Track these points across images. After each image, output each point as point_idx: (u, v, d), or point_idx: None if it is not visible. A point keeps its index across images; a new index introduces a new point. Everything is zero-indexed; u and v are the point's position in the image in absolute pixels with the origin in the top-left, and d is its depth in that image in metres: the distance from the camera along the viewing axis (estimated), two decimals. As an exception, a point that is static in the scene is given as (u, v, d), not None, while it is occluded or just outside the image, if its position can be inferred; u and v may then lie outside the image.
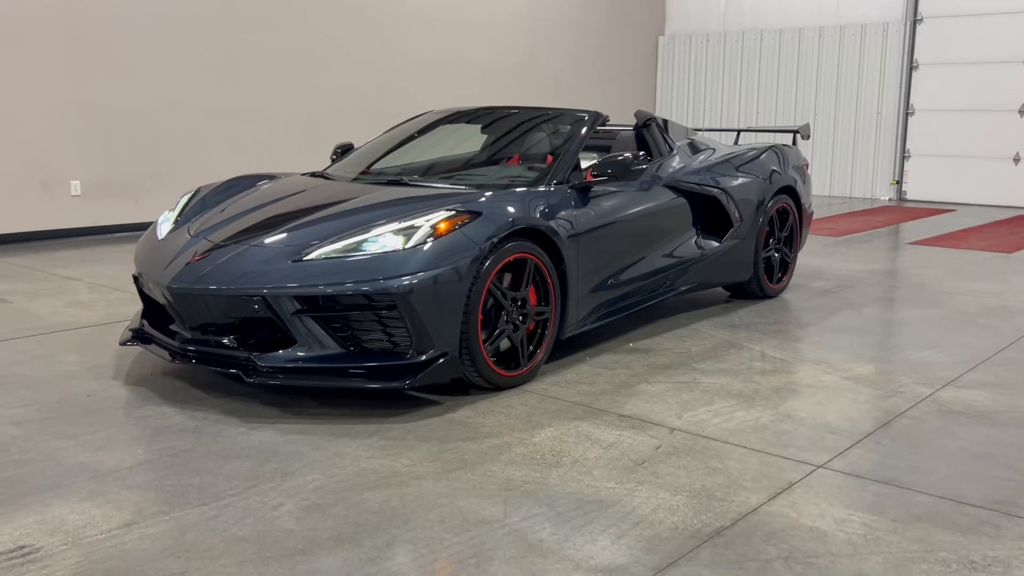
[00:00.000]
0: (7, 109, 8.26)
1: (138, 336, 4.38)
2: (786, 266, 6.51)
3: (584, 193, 4.75)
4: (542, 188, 4.62)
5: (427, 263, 3.84)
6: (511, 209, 4.25)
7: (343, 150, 5.84)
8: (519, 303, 4.25)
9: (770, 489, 3.21)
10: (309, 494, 3.13)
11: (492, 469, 3.35)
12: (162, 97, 9.27)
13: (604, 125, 5.50)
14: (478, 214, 4.09)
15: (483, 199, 4.29)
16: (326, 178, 5.21)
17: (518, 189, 4.58)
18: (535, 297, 4.37)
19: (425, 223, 3.98)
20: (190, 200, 4.93)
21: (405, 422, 3.83)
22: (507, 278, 4.22)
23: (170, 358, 4.10)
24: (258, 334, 3.97)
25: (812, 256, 8.16)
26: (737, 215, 5.81)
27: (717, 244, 5.73)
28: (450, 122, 5.73)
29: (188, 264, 4.10)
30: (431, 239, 3.92)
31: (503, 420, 3.87)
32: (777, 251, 6.38)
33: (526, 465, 3.39)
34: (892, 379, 4.52)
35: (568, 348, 4.90)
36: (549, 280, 4.39)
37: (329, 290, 3.77)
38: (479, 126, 5.62)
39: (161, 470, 3.33)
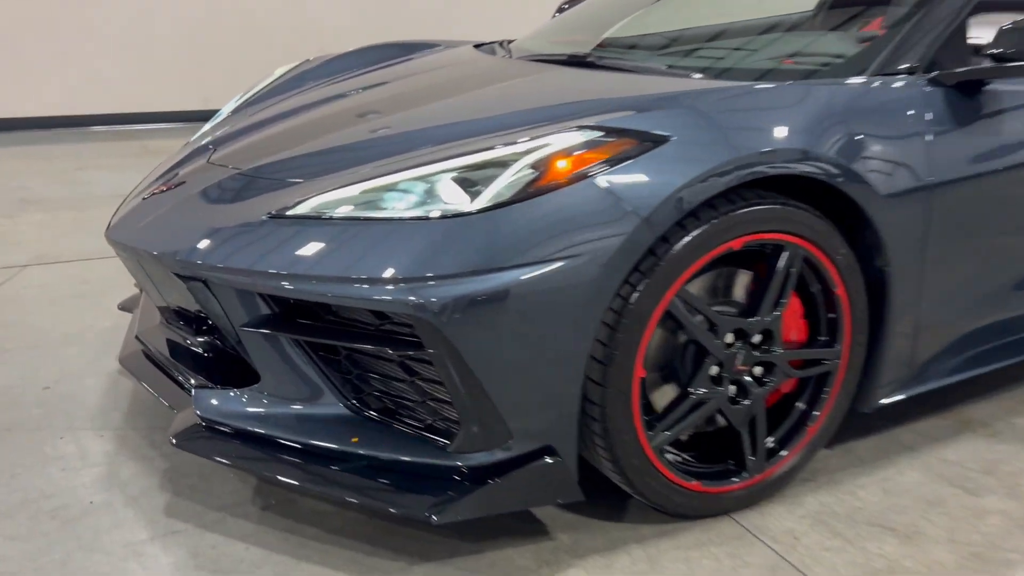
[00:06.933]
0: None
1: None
2: None
3: (966, 96, 2.19)
4: (859, 80, 2.14)
5: (510, 248, 1.68)
6: (751, 127, 1.88)
7: (569, 3, 3.66)
8: (753, 339, 1.92)
9: None
10: None
11: None
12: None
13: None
14: (658, 141, 1.80)
15: (685, 103, 1.96)
16: (507, 53, 3.09)
17: (806, 81, 2.17)
18: (801, 326, 2.01)
19: (524, 156, 1.79)
20: (283, 75, 3.11)
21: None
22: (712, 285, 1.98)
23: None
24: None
25: None
26: None
27: None
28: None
29: (143, 200, 2.31)
30: (526, 192, 1.72)
31: None
32: None
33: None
34: None
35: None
36: (841, 291, 1.98)
37: (266, 286, 1.81)
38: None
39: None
